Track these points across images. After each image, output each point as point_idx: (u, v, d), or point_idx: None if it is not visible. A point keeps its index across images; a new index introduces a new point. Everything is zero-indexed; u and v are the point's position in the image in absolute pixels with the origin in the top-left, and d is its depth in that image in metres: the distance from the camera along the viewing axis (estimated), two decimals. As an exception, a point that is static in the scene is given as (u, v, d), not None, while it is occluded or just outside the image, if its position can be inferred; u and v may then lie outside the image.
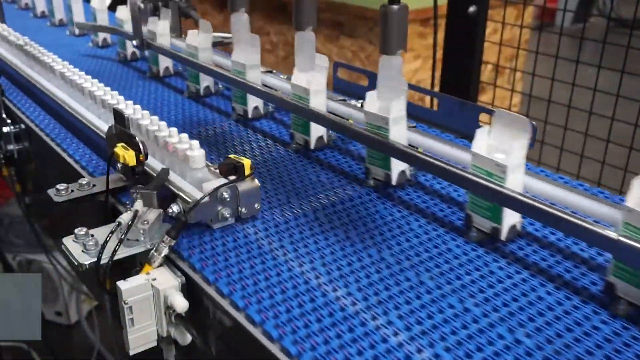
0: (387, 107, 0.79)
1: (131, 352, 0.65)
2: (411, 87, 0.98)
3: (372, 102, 0.82)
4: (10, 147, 1.18)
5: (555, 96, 1.56)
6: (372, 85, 1.05)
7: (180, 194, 0.73)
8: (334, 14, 2.75)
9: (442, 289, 0.61)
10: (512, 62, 2.55)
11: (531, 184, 0.69)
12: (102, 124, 0.94)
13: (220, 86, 1.25)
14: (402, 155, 0.77)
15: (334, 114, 0.91)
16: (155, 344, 0.66)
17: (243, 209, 0.74)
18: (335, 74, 1.12)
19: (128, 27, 1.46)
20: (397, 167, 0.83)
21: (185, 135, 0.78)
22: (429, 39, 2.59)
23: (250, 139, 1.02)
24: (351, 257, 0.67)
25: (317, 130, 0.95)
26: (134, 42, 1.31)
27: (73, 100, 1.04)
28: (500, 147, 0.67)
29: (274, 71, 1.15)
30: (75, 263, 0.66)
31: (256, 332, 0.56)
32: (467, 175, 0.68)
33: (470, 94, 1.66)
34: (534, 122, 0.78)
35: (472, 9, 1.58)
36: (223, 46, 1.43)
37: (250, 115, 1.09)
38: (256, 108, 1.09)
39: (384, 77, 0.80)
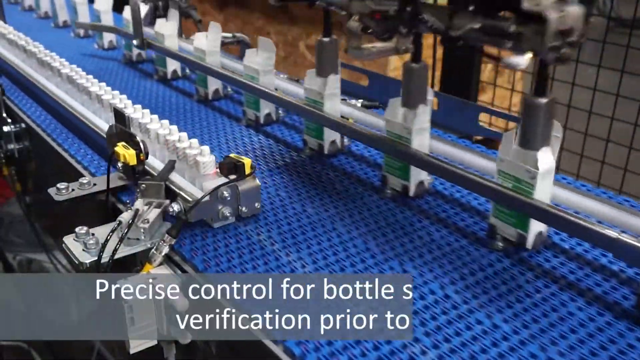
0: (533, 158, 0.64)
1: (131, 351, 0.65)
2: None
3: (508, 145, 0.66)
4: (11, 146, 1.18)
5: (555, 96, 1.55)
6: (372, 85, 1.05)
7: (181, 192, 0.73)
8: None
9: None
10: (512, 61, 2.55)
11: None
12: (103, 123, 0.94)
13: (280, 112, 1.10)
14: (548, 217, 0.63)
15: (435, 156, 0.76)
16: (155, 342, 0.66)
17: (243, 208, 0.74)
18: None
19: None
20: (536, 228, 0.67)
21: (184, 134, 0.78)
22: (429, 38, 2.59)
23: (331, 179, 0.86)
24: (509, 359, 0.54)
25: (418, 175, 0.80)
26: (135, 42, 1.31)
27: (73, 99, 1.04)
28: None
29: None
30: (76, 262, 0.66)
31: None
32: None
33: (471, 94, 1.66)
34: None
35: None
36: (224, 46, 1.43)
37: (326, 151, 0.93)
38: (333, 142, 0.94)
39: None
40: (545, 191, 0.65)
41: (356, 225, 0.74)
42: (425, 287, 0.62)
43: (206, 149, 0.75)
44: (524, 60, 0.57)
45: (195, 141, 0.76)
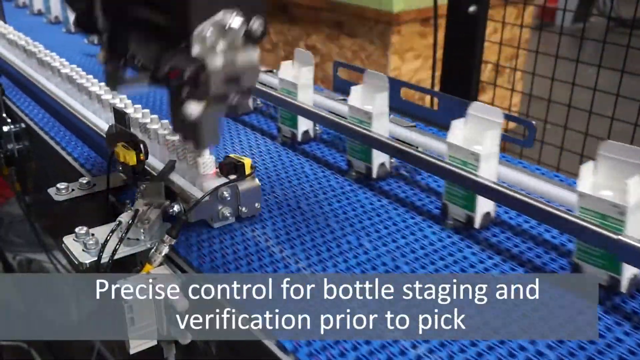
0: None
1: (131, 351, 0.65)
2: (411, 86, 0.98)
3: (588, 179, 0.62)
4: (11, 146, 1.18)
5: (555, 96, 1.56)
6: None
7: (181, 193, 0.73)
8: (334, 13, 2.75)
9: None
10: (512, 61, 2.56)
11: None
12: (103, 123, 0.94)
13: (317, 129, 1.01)
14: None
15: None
16: (155, 343, 0.66)
17: (243, 208, 0.74)
18: (336, 74, 1.12)
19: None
20: (629, 271, 0.60)
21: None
22: (429, 38, 2.59)
23: (388, 211, 0.78)
24: None
25: (484, 206, 0.72)
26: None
27: (73, 99, 1.04)
28: None
29: (274, 70, 1.07)
30: (76, 262, 0.66)
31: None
32: None
33: (471, 94, 1.66)
34: (534, 122, 0.78)
35: (472, 8, 1.58)
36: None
37: (375, 175, 0.86)
38: (382, 165, 0.86)
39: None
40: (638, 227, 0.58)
41: (421, 262, 0.67)
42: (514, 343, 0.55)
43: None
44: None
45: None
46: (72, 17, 1.68)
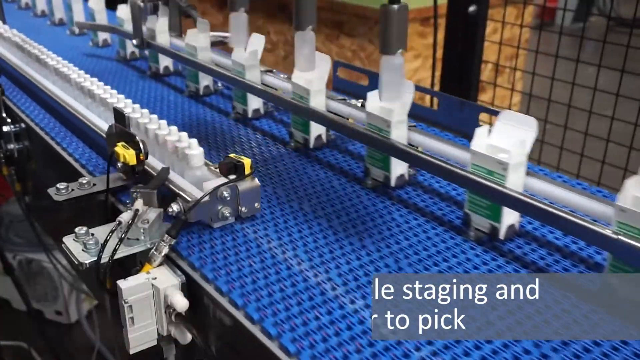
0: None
1: (131, 351, 0.65)
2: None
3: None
4: (11, 146, 1.18)
5: (555, 95, 1.56)
6: (372, 85, 1.05)
7: (181, 193, 0.73)
8: (334, 13, 2.75)
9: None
10: (512, 61, 2.55)
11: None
12: (102, 123, 0.94)
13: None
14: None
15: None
16: (155, 342, 0.66)
17: (243, 208, 0.74)
18: (335, 74, 1.12)
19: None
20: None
21: (184, 134, 0.78)
22: (429, 38, 2.59)
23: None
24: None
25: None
26: (134, 41, 1.31)
27: (73, 99, 1.04)
28: None
29: (274, 70, 1.11)
30: (76, 262, 0.66)
31: (255, 330, 0.57)
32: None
33: (471, 93, 1.66)
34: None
35: (472, 8, 1.58)
36: (223, 45, 1.43)
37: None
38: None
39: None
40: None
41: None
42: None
43: (194, 141, 0.75)
44: None
45: (194, 141, 0.76)
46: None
